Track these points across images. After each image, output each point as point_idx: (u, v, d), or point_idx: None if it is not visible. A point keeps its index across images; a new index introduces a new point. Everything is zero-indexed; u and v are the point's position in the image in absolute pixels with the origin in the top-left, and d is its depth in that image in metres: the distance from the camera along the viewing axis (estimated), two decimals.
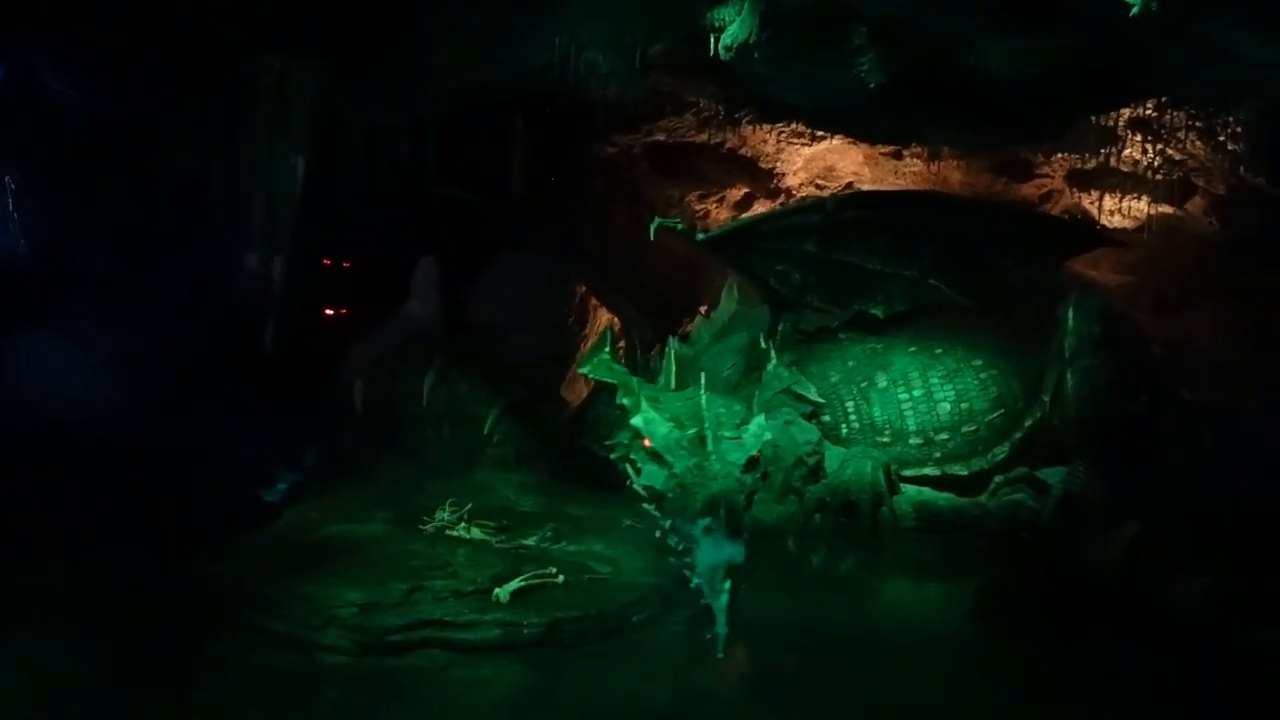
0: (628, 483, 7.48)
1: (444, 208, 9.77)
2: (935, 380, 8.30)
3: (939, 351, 8.45)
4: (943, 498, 7.95)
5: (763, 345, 8.18)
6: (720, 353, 8.64)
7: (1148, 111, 8.02)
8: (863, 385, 8.38)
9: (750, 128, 9.48)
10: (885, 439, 8.17)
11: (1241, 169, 8.23)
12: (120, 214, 8.80)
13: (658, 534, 7.38)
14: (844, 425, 8.26)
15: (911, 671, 6.07)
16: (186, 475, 7.93)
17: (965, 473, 8.01)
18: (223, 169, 7.90)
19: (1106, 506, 7.43)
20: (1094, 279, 9.82)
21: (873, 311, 8.74)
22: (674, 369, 8.02)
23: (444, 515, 7.50)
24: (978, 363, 8.35)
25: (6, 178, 8.31)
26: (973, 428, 8.15)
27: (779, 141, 9.77)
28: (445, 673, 5.79)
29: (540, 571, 6.51)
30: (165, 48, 7.37)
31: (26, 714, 5.20)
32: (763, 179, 10.31)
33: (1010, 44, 6.43)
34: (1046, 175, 9.84)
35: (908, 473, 8.03)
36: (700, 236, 8.72)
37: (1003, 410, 8.18)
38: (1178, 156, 8.47)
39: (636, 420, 7.23)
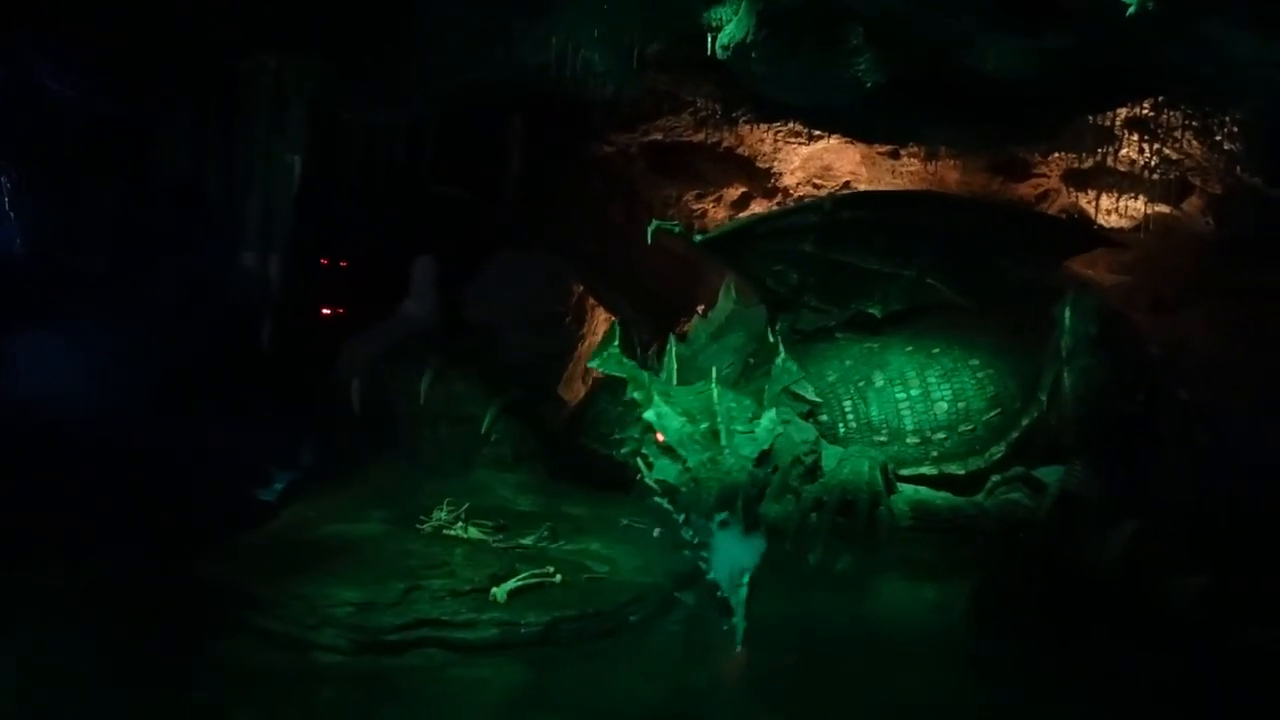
0: (637, 477, 7.51)
1: (441, 207, 9.76)
2: (932, 380, 8.31)
3: (936, 351, 8.46)
4: (940, 497, 7.96)
5: (771, 339, 8.19)
6: (718, 352, 8.65)
7: (1144, 111, 8.02)
8: (860, 385, 8.39)
9: (747, 127, 9.47)
10: (882, 438, 8.18)
11: (1238, 168, 8.23)
12: (118, 214, 8.79)
13: (656, 533, 7.45)
14: (841, 424, 8.26)
15: (908, 671, 6.08)
16: (183, 475, 7.94)
17: (962, 472, 8.02)
18: (221, 169, 7.89)
19: (1103, 506, 7.44)
20: (1091, 278, 9.82)
21: (870, 311, 8.75)
22: (675, 367, 8.02)
23: (441, 515, 7.51)
24: (975, 362, 8.36)
25: (4, 177, 8.30)
26: (970, 427, 8.16)
27: (776, 141, 9.76)
28: (442, 672, 5.80)
29: (537, 571, 6.52)
30: (163, 47, 7.37)
31: (25, 713, 5.21)
32: (760, 178, 10.31)
33: (1008, 43, 6.42)
34: (1043, 175, 9.84)
35: (905, 472, 8.04)
36: (698, 238, 8.73)
37: (1000, 410, 8.18)
38: (1174, 156, 8.47)
39: (649, 414, 7.27)
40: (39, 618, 6.07)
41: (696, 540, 6.64)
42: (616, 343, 8.10)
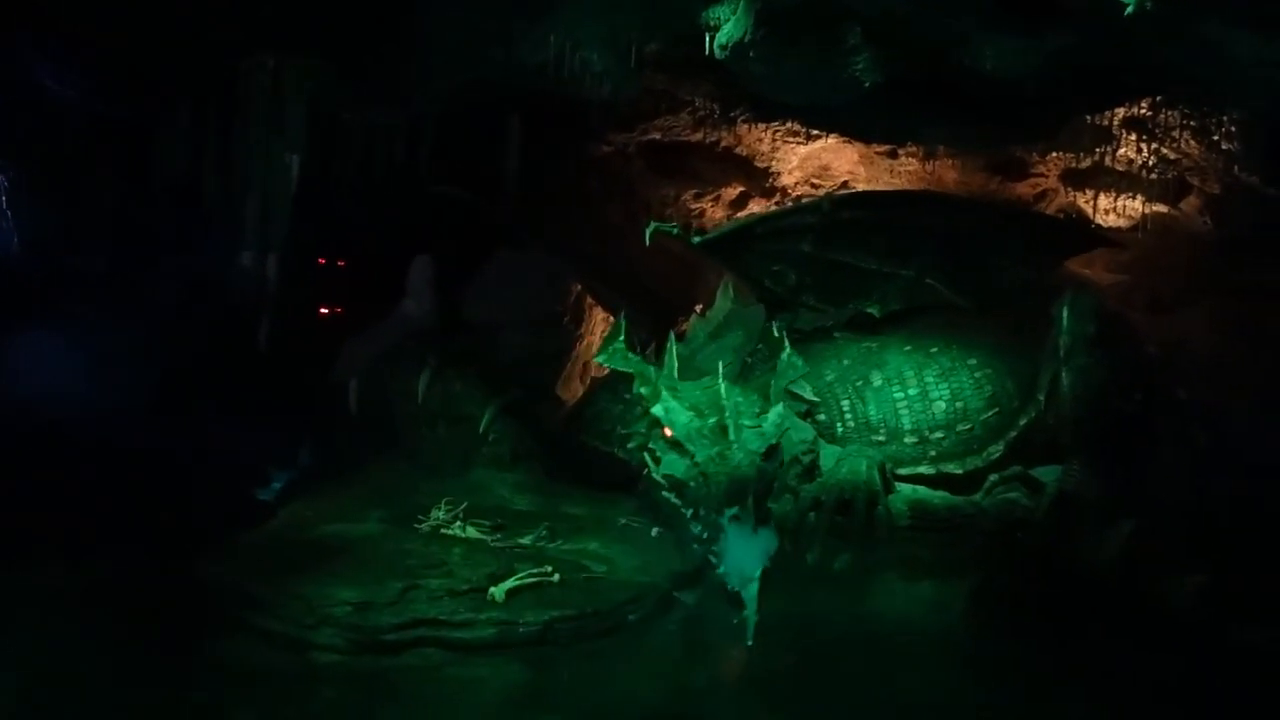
0: (644, 472, 7.52)
1: (439, 207, 9.76)
2: (930, 379, 8.32)
3: (934, 350, 8.48)
4: (938, 496, 7.97)
5: (775, 334, 8.20)
6: (716, 352, 8.65)
7: (1143, 110, 8.02)
8: (858, 384, 8.40)
9: (745, 126, 9.47)
10: (880, 438, 8.19)
11: (1236, 168, 8.24)
12: (117, 213, 8.78)
13: (654, 532, 7.45)
14: (839, 424, 8.27)
15: (907, 670, 6.09)
16: (182, 474, 7.93)
17: (960, 471, 8.03)
18: (220, 169, 7.88)
19: (1101, 505, 7.44)
20: (1089, 278, 9.83)
21: (868, 311, 8.76)
22: (675, 366, 8.04)
23: (439, 514, 7.51)
24: (973, 361, 8.37)
25: (3, 177, 8.29)
26: (968, 426, 8.17)
27: (774, 140, 9.76)
28: (440, 672, 5.79)
29: (536, 570, 6.52)
30: (163, 47, 7.36)
31: (25, 713, 5.20)
32: (758, 178, 10.31)
33: (1006, 43, 6.42)
34: (1041, 174, 9.85)
35: (903, 471, 8.05)
36: (696, 239, 8.73)
37: (997, 409, 8.20)
38: (1172, 156, 8.48)
39: (656, 409, 7.28)
40: (35, 617, 6.07)
41: (706, 535, 6.66)
42: (622, 338, 8.10)
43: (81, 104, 8.02)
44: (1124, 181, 9.20)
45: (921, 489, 8.02)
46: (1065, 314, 8.06)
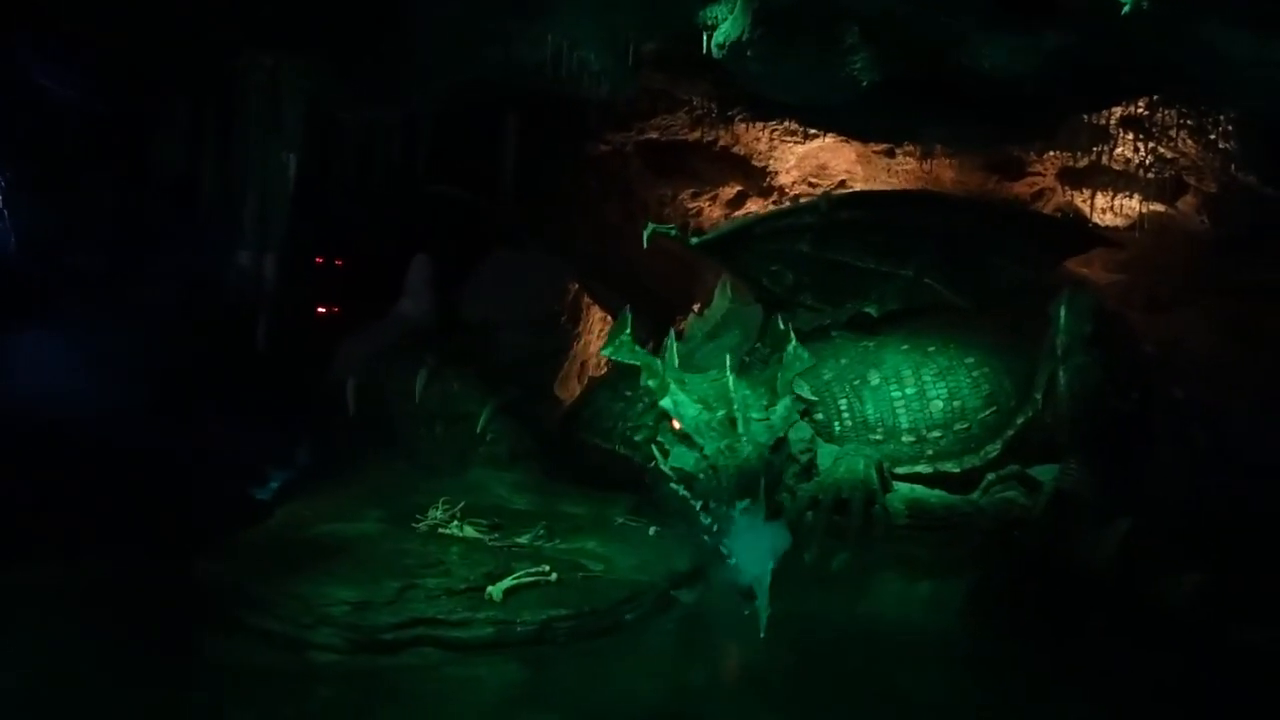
0: (650, 464, 7.52)
1: (437, 206, 9.76)
2: (928, 378, 8.33)
3: (931, 349, 8.48)
4: (935, 495, 7.98)
5: (781, 327, 8.21)
6: (714, 351, 8.65)
7: (1139, 110, 8.03)
8: (855, 383, 8.40)
9: (743, 126, 9.47)
10: (878, 437, 8.19)
11: (1233, 167, 8.24)
12: (115, 213, 8.78)
13: (652, 531, 7.46)
14: (837, 423, 8.27)
15: (904, 669, 6.09)
16: (179, 474, 7.93)
17: (957, 470, 8.04)
18: (216, 167, 7.88)
19: (1098, 504, 7.45)
20: (1086, 277, 9.83)
21: (867, 311, 8.76)
22: (675, 364, 8.05)
23: (437, 513, 7.50)
24: (970, 360, 8.37)
25: (1, 177, 8.29)
26: (965, 425, 8.18)
27: (772, 140, 9.77)
28: (438, 671, 5.79)
29: (533, 569, 6.51)
30: (160, 47, 7.36)
31: (25, 713, 5.20)
32: (756, 177, 10.31)
33: (1005, 42, 6.43)
34: (1039, 173, 9.85)
35: (900, 470, 8.05)
36: (694, 240, 8.73)
37: (995, 408, 8.20)
38: (1169, 155, 8.48)
39: (665, 402, 7.29)
40: (32, 616, 6.07)
41: (716, 528, 6.67)
42: (628, 331, 8.10)
43: (80, 103, 8.03)
44: (1121, 181, 9.21)
45: (919, 488, 8.02)
46: (1063, 313, 8.06)
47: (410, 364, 9.01)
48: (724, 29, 6.66)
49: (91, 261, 8.86)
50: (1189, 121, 7.99)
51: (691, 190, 10.72)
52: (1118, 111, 8.13)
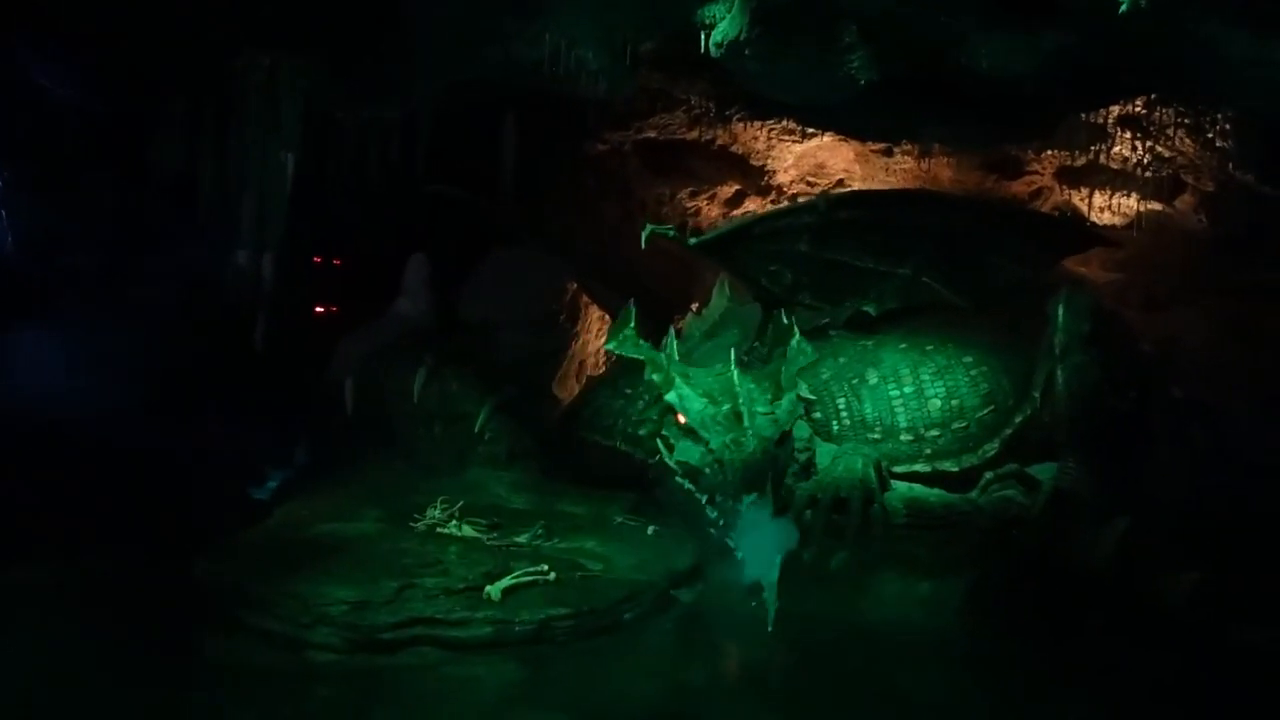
0: (655, 458, 7.53)
1: (435, 205, 9.76)
2: (926, 377, 8.32)
3: (930, 348, 8.48)
4: (933, 494, 7.97)
5: (785, 321, 8.21)
6: (712, 350, 8.65)
7: (1137, 109, 8.03)
8: (854, 382, 8.40)
9: (741, 125, 9.46)
10: (876, 436, 8.18)
11: (1230, 166, 8.24)
12: (113, 213, 8.78)
13: (650, 531, 7.47)
14: (835, 422, 8.27)
15: (903, 668, 6.11)
16: (177, 473, 7.93)
17: (956, 469, 8.03)
18: (215, 167, 7.88)
19: (1097, 503, 7.45)
20: (1084, 276, 9.83)
21: (865, 310, 8.76)
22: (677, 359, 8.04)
23: (435, 513, 7.51)
24: (968, 359, 8.37)
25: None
26: (963, 424, 8.17)
27: (770, 139, 9.76)
28: (437, 670, 5.80)
29: (532, 569, 6.52)
30: (159, 46, 7.35)
31: (25, 713, 5.20)
32: (754, 176, 10.30)
33: (1003, 42, 6.43)
34: (1036, 172, 9.84)
35: (898, 469, 8.04)
36: (692, 241, 8.73)
37: (993, 407, 8.20)
38: (1167, 154, 8.48)
39: (670, 396, 7.30)
40: (29, 615, 6.08)
41: (723, 522, 6.69)
42: (632, 324, 8.09)
43: (79, 103, 8.03)
44: (1119, 179, 9.20)
45: (917, 487, 8.01)
46: (1061, 312, 8.06)
47: (408, 363, 9.01)
48: (722, 28, 6.66)
49: (90, 261, 8.86)
50: (1187, 120, 7.99)
51: (690, 189, 10.71)
52: (1115, 110, 8.13)
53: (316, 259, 10.92)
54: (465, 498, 7.76)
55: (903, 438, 8.18)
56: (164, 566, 6.53)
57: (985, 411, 8.19)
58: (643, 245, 8.54)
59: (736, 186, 10.64)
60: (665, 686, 5.89)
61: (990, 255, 8.72)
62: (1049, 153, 9.31)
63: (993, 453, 8.01)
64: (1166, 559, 6.83)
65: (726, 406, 7.24)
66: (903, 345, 8.55)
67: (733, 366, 7.56)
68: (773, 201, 10.27)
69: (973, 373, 8.31)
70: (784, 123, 9.39)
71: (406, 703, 5.52)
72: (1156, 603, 6.54)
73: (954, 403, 8.23)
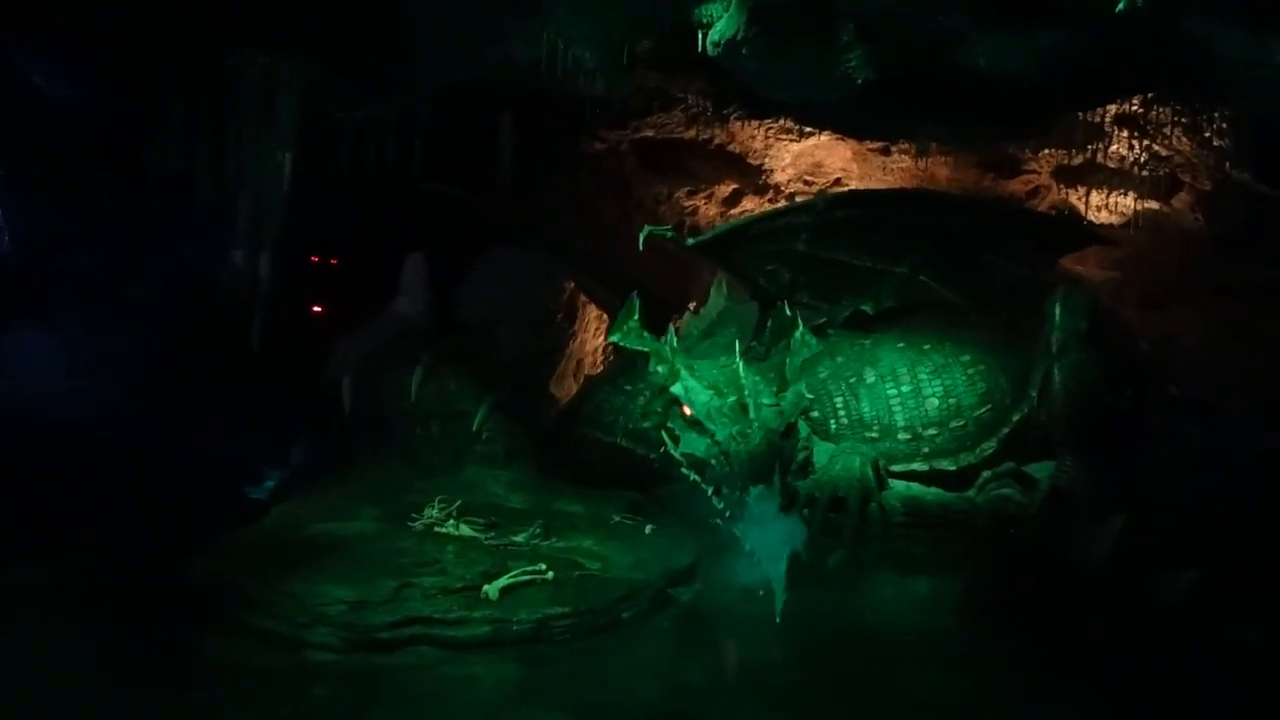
0: (660, 450, 7.54)
1: (432, 204, 9.75)
2: (923, 376, 8.34)
3: (927, 347, 8.50)
4: (931, 493, 7.98)
5: (788, 313, 8.21)
6: (710, 349, 8.65)
7: (1134, 108, 8.04)
8: (851, 381, 8.41)
9: (738, 124, 9.46)
10: (874, 434, 8.20)
11: (1227, 165, 8.26)
12: (111, 212, 8.77)
13: (648, 530, 7.47)
14: (833, 421, 8.28)
15: (900, 666, 6.11)
16: (176, 473, 7.93)
17: (953, 468, 8.05)
18: (213, 167, 7.87)
19: (1094, 501, 7.46)
20: (1081, 274, 9.84)
21: (862, 309, 8.77)
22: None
23: (433, 512, 7.52)
24: (966, 358, 8.39)
25: None
26: (961, 423, 8.19)
27: (767, 138, 9.76)
28: (434, 670, 5.81)
29: (529, 568, 6.53)
30: (156, 46, 7.35)
31: (25, 713, 5.20)
32: (751, 175, 10.30)
33: (1000, 41, 6.43)
34: (1034, 171, 9.85)
35: (896, 468, 8.06)
36: (690, 242, 8.73)
37: (990, 406, 8.21)
38: (1164, 152, 8.49)
39: (676, 388, 7.30)
40: (27, 615, 6.08)
41: (729, 513, 6.70)
42: (636, 317, 8.09)
43: (78, 103, 8.02)
44: (1116, 178, 9.21)
45: (915, 485, 8.03)
46: (1058, 310, 8.08)
47: (406, 363, 9.00)
48: (719, 27, 6.66)
49: (89, 261, 8.86)
50: (1184, 119, 8.00)
51: (687, 188, 10.71)
52: (1112, 109, 8.13)
53: (314, 258, 10.91)
54: (463, 497, 7.77)
55: (900, 436, 8.19)
56: (163, 566, 6.53)
57: (983, 410, 8.21)
58: (640, 247, 8.54)
59: (734, 185, 10.64)
60: (663, 685, 5.89)
61: (987, 254, 8.72)
62: (1046, 151, 9.31)
63: (990, 451, 8.03)
64: (1163, 557, 6.84)
65: (732, 398, 7.26)
66: (900, 344, 8.56)
67: (738, 359, 7.55)
68: (770, 200, 10.26)
69: (970, 371, 8.33)
70: (781, 122, 9.39)
71: (404, 702, 5.52)
72: (1153, 601, 6.55)
73: (951, 401, 8.24)
